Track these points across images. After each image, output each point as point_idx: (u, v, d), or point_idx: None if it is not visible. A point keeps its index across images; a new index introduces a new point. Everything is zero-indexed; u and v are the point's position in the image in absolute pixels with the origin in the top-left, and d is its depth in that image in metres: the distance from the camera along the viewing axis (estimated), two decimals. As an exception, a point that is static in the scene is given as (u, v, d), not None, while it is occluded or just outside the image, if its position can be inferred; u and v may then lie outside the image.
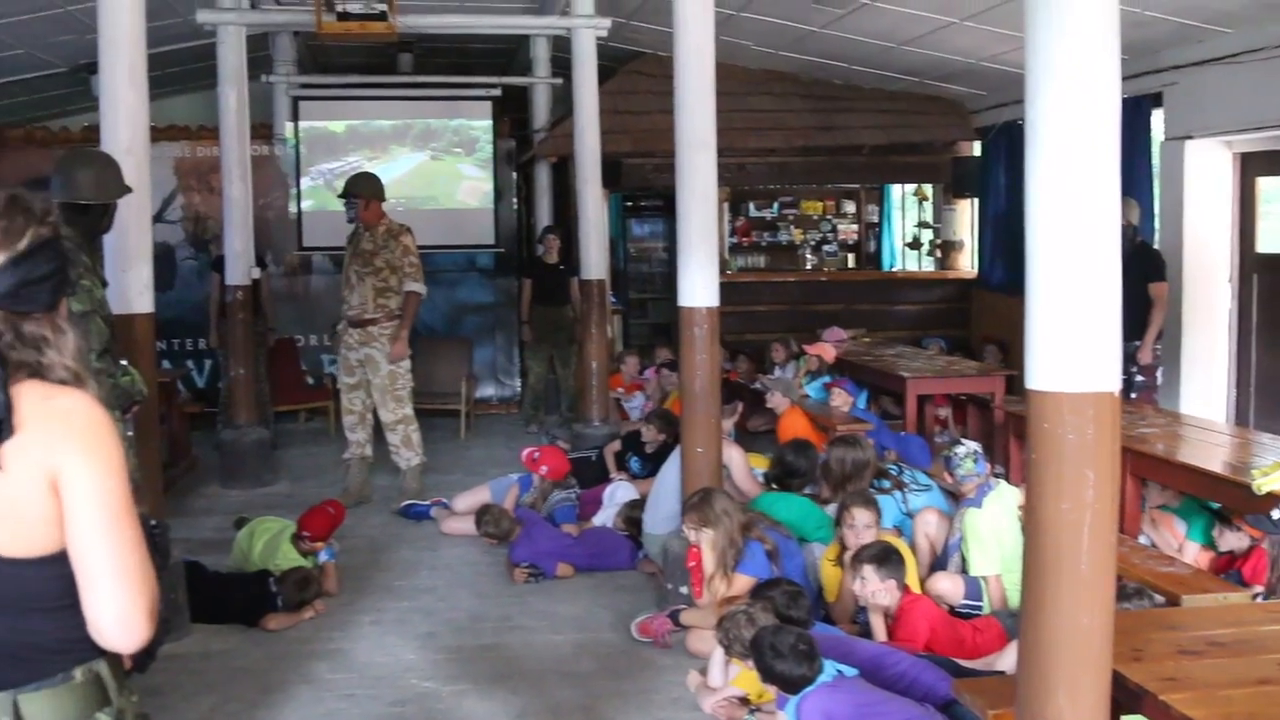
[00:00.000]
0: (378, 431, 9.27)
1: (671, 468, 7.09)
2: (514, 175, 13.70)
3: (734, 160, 12.14)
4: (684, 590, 6.36)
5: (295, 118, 12.96)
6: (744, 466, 7.51)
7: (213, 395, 12.11)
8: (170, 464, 9.39)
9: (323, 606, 6.73)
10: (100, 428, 2.11)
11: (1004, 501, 6.16)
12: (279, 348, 11.98)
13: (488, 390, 13.48)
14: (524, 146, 13.88)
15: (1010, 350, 11.51)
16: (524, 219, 14.51)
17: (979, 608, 5.95)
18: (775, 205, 15.55)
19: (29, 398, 2.07)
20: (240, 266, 10.19)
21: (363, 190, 8.95)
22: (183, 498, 9.31)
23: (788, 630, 4.75)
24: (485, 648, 6.21)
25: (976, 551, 6.02)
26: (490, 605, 6.89)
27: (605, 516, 8.05)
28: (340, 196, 9.16)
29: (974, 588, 6.00)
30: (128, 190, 5.64)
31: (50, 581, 2.09)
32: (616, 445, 9.19)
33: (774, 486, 7.37)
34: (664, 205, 15.17)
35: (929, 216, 15.02)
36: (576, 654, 6.11)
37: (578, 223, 10.97)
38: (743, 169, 12.98)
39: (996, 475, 6.62)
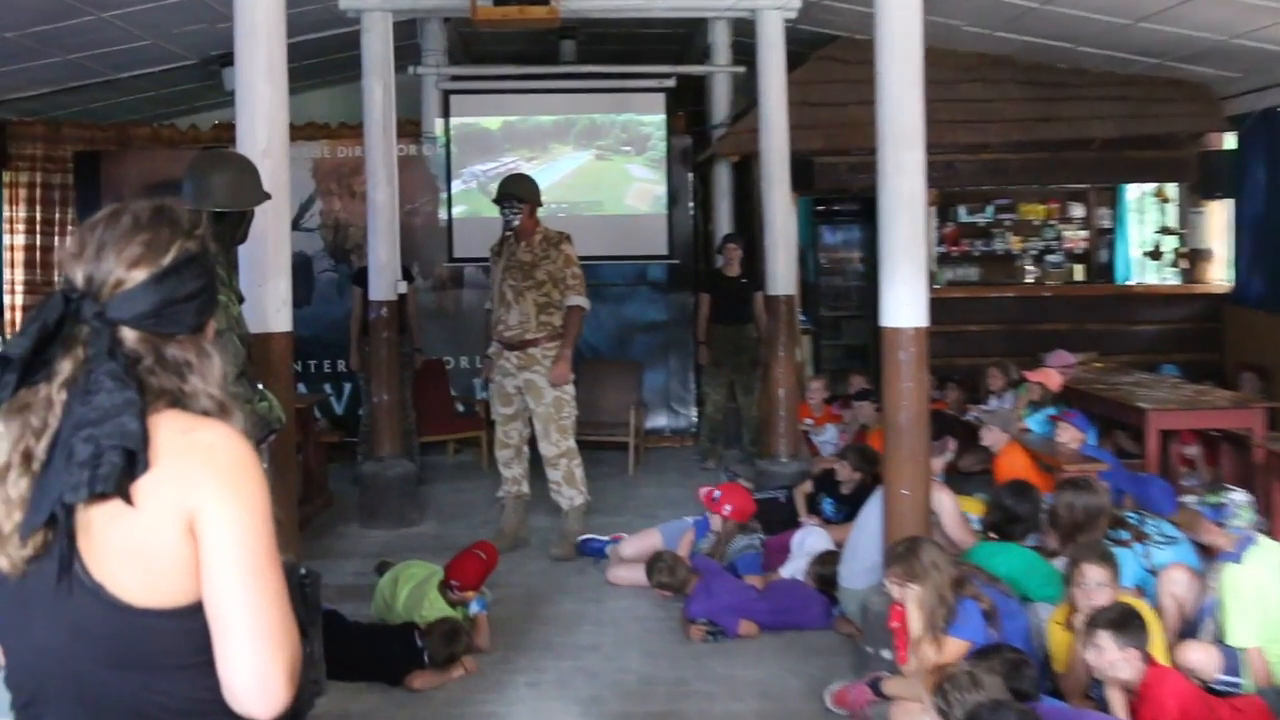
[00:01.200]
0: (535, 466, 9.29)
1: (872, 512, 6.98)
2: (690, 176, 13.72)
3: (942, 157, 11.95)
4: (886, 655, 6.23)
5: (446, 114, 13.19)
6: (956, 512, 7.34)
7: (352, 423, 12.32)
8: (305, 500, 9.59)
9: (474, 664, 6.75)
10: (245, 466, 2.14)
11: (1268, 559, 5.90)
12: (426, 371, 12.10)
13: (659, 420, 13.50)
14: (701, 144, 13.90)
15: (1273, 378, 11.12)
16: (701, 226, 14.57)
17: (1238, 684, 5.71)
18: (990, 209, 15.25)
19: (168, 429, 2.11)
20: (385, 280, 10.36)
21: (525, 193, 9.02)
22: (319, 538, 9.46)
23: (1008, 706, 4.64)
24: (657, 715, 6.18)
25: (1237, 616, 5.76)
26: (663, 667, 6.85)
27: (794, 567, 7.93)
28: (496, 201, 9.22)
29: (1232, 660, 5.76)
30: (266, 197, 5.75)
31: (184, 636, 2.12)
32: (808, 486, 9.10)
33: (991, 536, 7.22)
34: (861, 210, 15.04)
35: (1172, 221, 14.60)
36: (761, 726, 6.03)
37: (762, 230, 10.98)
38: (952, 167, 12.80)
39: (1258, 527, 6.34)
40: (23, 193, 13.59)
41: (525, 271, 8.99)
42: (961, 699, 4.88)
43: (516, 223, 9.00)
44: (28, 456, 2.10)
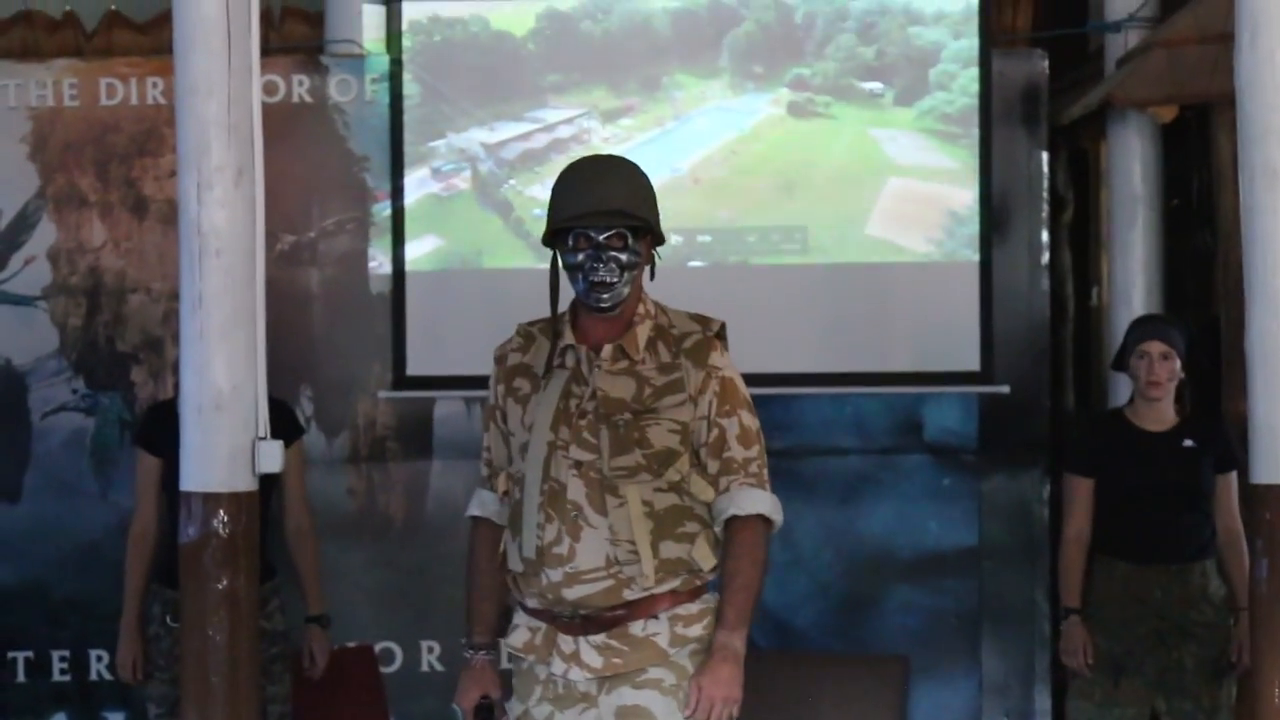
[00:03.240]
0: None
1: None
2: (1043, 160, 6.47)
3: None
4: None
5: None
6: None
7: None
8: None
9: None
10: None
11: None
12: (338, 680, 5.71)
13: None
14: (1068, 79, 6.83)
15: None
16: (1072, 292, 7.22)
17: None
18: None
19: None
20: (223, 437, 4.35)
21: (637, 206, 3.51)
22: None
23: None
24: None
25: None
26: None
27: None
28: (551, 234, 3.48)
29: None
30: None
31: None
32: None
33: None
34: None
35: None
36: None
37: (1242, 307, 4.40)
38: None
39: None
40: None
41: (618, 425, 3.44)
42: None
43: (624, 293, 3.48)
44: None
